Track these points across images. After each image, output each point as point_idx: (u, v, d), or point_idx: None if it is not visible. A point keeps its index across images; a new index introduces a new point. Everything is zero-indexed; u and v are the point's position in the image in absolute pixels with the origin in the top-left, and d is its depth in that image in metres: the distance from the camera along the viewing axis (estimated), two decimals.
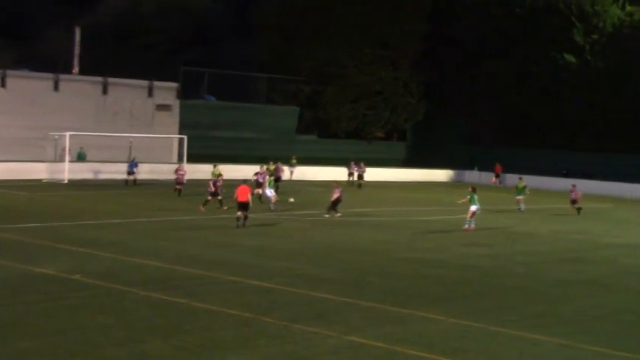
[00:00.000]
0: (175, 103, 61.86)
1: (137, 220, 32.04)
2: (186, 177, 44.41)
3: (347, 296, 18.90)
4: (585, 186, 50.71)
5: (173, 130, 60.21)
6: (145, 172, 51.06)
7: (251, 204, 31.46)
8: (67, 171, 48.89)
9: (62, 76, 57.97)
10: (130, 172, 49.13)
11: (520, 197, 43.74)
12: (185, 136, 55.98)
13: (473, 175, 68.17)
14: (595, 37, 65.36)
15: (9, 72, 56.36)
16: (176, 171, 44.78)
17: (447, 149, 72.01)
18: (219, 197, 36.72)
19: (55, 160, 51.37)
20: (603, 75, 63.74)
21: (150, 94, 60.88)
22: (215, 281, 20.27)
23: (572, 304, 19.97)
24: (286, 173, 54.95)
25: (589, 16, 65.77)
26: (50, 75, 57.13)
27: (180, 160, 54.61)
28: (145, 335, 14.89)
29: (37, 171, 49.23)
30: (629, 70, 62.37)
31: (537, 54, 66.54)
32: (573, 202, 43.56)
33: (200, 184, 43.27)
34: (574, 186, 44.39)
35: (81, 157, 54.00)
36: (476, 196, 34.08)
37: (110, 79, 59.17)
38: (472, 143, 72.77)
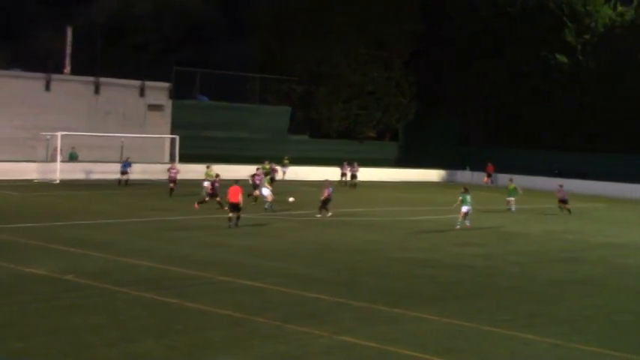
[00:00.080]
0: (167, 103, 61.71)
1: (129, 221, 31.97)
2: (179, 177, 44.23)
3: (339, 296, 18.89)
4: (578, 186, 50.79)
5: (165, 130, 60.06)
6: (137, 172, 50.81)
7: (241, 204, 31.14)
8: (59, 171, 48.75)
9: (54, 76, 57.69)
10: (124, 172, 48.99)
11: (511, 199, 43.74)
12: (177, 136, 55.92)
13: (465, 175, 68.18)
14: (586, 37, 65.48)
15: (0, 72, 56.22)
16: (169, 169, 44.68)
17: (439, 149, 71.98)
18: (218, 198, 36.55)
19: (46, 160, 51.15)
20: (595, 75, 63.86)
21: (142, 94, 60.69)
22: (207, 281, 20.24)
23: (565, 303, 19.96)
24: (279, 173, 54.91)
25: (580, 16, 65.92)
26: (42, 75, 56.87)
27: (172, 160, 54.48)
28: (137, 335, 14.87)
29: (29, 171, 49.06)
30: (621, 70, 62.51)
31: (529, 54, 66.59)
32: (562, 201, 43.55)
33: (192, 184, 43.23)
34: (561, 186, 44.49)
35: (73, 157, 53.83)
36: (468, 197, 34.13)
37: (102, 79, 58.98)
38: (464, 143, 72.79)
